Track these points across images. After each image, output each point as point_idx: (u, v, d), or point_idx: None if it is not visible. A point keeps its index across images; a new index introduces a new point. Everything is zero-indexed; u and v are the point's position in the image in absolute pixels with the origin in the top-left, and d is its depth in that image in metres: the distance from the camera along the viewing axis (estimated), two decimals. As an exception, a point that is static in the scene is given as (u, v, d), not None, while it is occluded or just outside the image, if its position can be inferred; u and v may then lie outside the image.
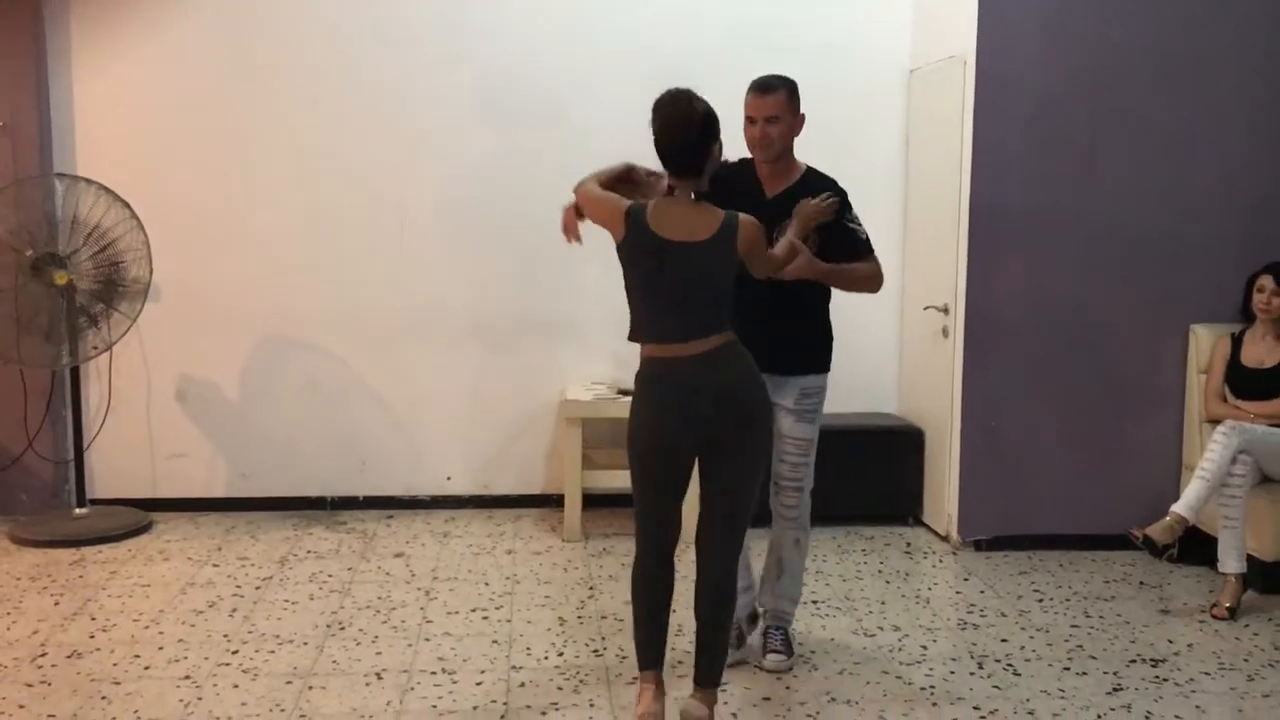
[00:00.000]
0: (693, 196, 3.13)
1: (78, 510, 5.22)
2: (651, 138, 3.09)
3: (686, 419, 3.08)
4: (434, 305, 5.53)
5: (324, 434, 5.56)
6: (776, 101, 3.49)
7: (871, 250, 3.65)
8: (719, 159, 3.20)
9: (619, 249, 3.14)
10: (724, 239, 3.06)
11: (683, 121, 3.05)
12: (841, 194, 3.57)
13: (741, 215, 3.11)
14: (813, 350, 3.69)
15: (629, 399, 4.98)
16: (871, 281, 3.66)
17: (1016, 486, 5.01)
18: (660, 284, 3.10)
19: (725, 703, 3.44)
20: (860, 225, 3.63)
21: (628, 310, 3.18)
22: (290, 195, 5.42)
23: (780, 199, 3.54)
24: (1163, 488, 4.87)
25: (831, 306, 3.73)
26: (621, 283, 3.17)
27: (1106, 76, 4.85)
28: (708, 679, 3.20)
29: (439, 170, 5.46)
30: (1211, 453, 4.29)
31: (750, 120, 3.53)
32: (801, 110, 3.55)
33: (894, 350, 5.69)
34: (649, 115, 3.08)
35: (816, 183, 3.58)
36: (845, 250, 3.57)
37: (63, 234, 5.00)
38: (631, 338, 3.21)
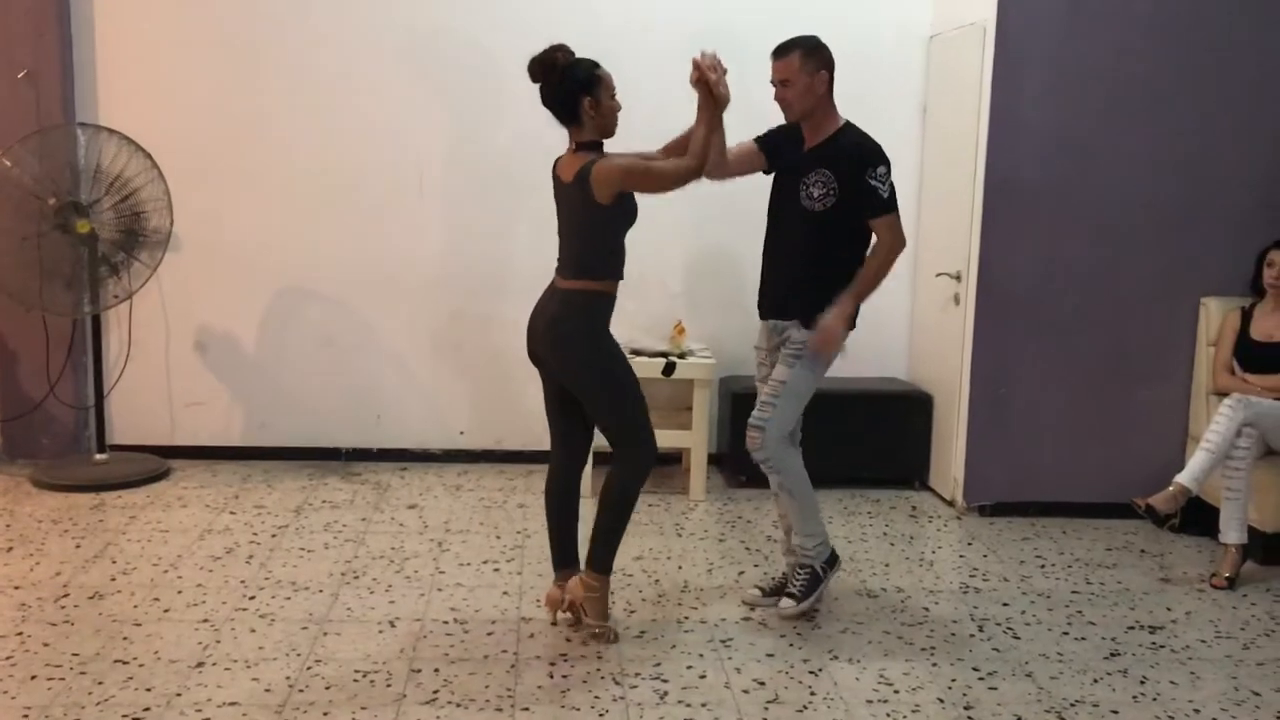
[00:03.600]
0: (574, 146, 3.47)
1: (98, 456, 5.31)
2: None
3: (528, 343, 3.60)
4: (451, 260, 5.57)
5: (339, 386, 5.64)
6: (787, 65, 3.61)
7: (887, 209, 3.61)
8: (605, 115, 3.42)
9: None
10: (580, 182, 3.36)
11: (541, 70, 3.37)
12: (870, 151, 3.61)
13: (600, 162, 3.36)
14: (805, 300, 3.69)
15: (640, 358, 5.12)
16: (888, 257, 3.67)
17: (1022, 453, 5.06)
18: (558, 217, 3.56)
19: (730, 658, 3.53)
20: (884, 183, 3.60)
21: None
22: (309, 148, 5.46)
23: (815, 151, 3.67)
24: (1167, 458, 4.90)
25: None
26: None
27: (1126, 47, 4.83)
28: None
29: (456, 122, 5.48)
30: (1217, 425, 4.33)
31: (772, 84, 3.66)
32: (824, 69, 3.60)
33: (905, 316, 5.73)
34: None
35: (846, 139, 3.67)
36: (861, 208, 3.61)
37: (85, 183, 5.05)
38: None
